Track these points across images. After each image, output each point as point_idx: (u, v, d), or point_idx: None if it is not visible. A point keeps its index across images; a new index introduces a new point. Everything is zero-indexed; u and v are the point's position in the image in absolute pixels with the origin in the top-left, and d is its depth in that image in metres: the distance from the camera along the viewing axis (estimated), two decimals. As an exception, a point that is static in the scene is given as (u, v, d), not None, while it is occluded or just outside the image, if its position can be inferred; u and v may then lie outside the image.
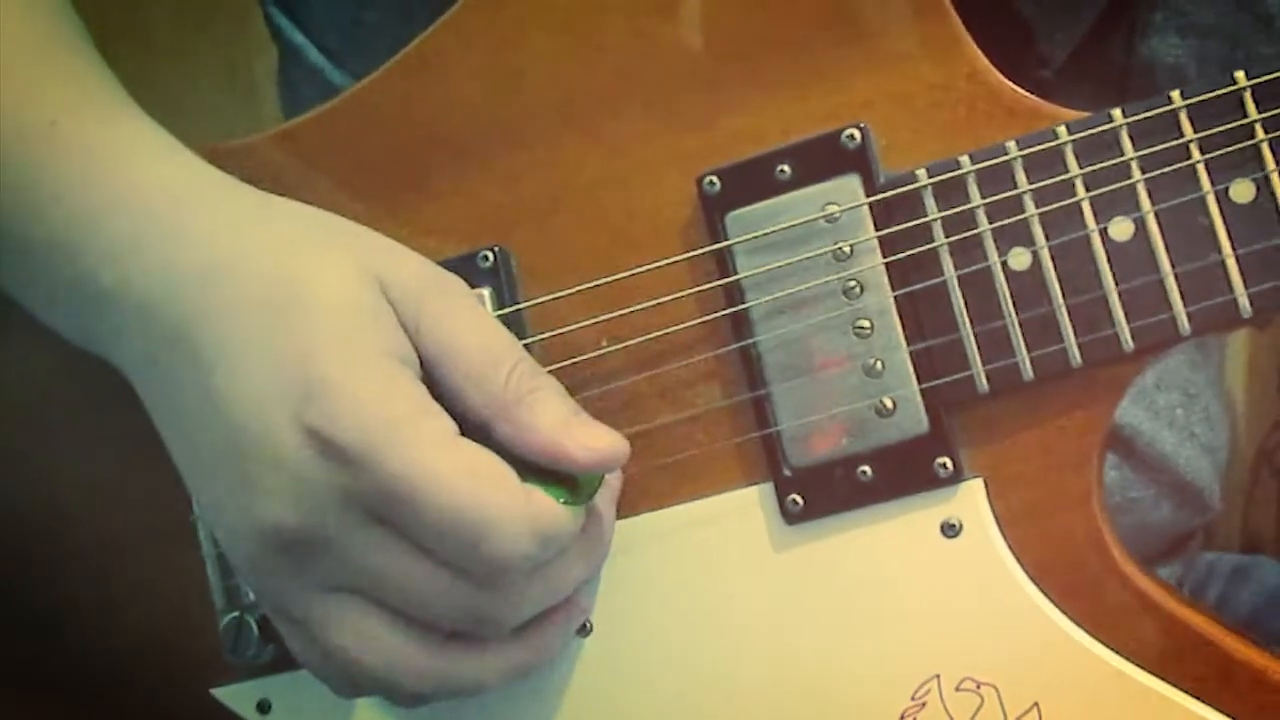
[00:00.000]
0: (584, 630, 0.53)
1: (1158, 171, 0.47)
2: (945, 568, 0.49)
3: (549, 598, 0.49)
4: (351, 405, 0.45)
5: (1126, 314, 0.47)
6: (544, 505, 0.46)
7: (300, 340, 0.46)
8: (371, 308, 0.47)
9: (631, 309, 0.52)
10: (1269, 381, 0.93)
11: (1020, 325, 0.48)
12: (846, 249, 0.50)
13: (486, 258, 0.54)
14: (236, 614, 0.56)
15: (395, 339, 0.47)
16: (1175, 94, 0.47)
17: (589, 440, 0.47)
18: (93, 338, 0.52)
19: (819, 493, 0.50)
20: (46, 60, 0.53)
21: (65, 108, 0.52)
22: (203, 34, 1.13)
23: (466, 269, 0.54)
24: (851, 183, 0.50)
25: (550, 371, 0.50)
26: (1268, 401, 0.93)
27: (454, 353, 0.47)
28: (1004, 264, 0.48)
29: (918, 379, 0.49)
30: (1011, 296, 0.48)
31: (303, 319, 0.46)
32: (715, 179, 0.51)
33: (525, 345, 0.52)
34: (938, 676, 0.49)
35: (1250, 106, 0.46)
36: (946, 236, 0.49)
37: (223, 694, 0.58)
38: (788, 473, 0.51)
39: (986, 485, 0.49)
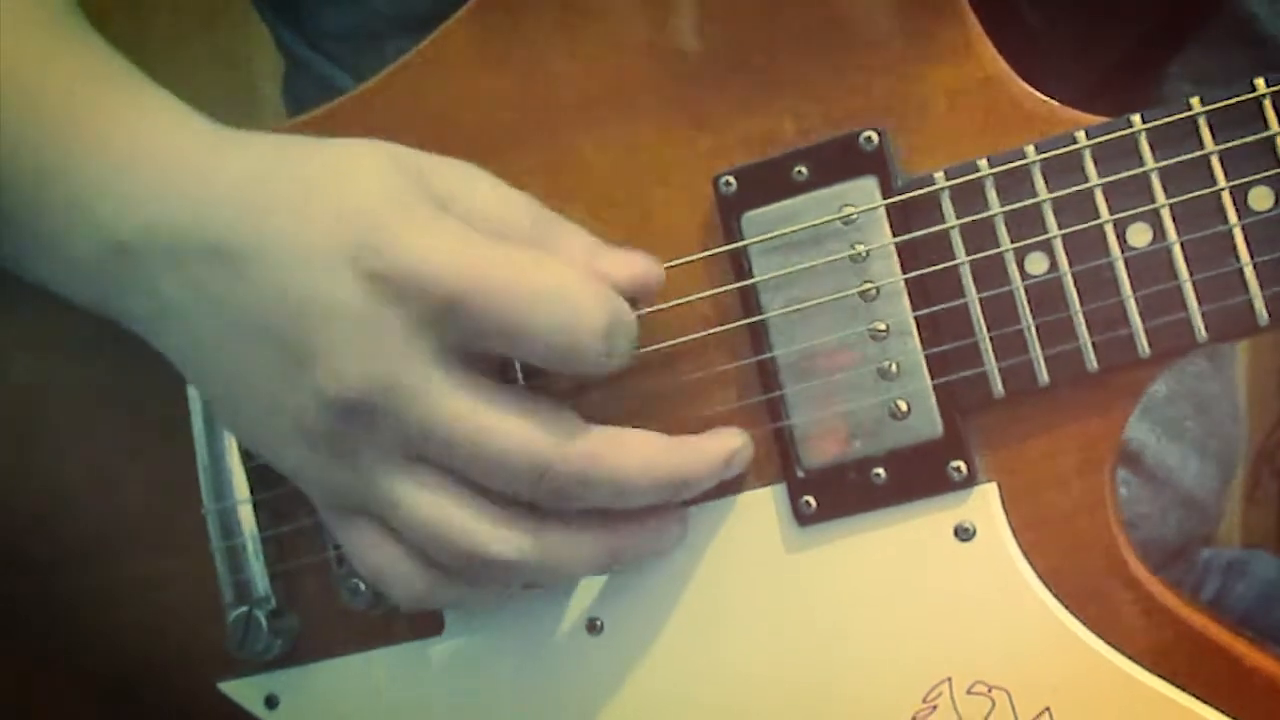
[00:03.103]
0: (595, 629, 0.53)
1: (1176, 177, 0.47)
2: (958, 571, 0.49)
3: (616, 455, 0.48)
4: (404, 236, 0.45)
5: (1143, 320, 0.47)
6: (608, 287, 0.47)
7: (347, 201, 0.46)
8: (406, 177, 0.47)
9: (647, 309, 0.52)
10: (1269, 382, 0.94)
11: (1036, 330, 0.48)
12: (863, 251, 0.50)
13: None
14: (245, 608, 0.56)
15: (425, 194, 0.47)
16: (1195, 100, 0.46)
17: (621, 261, 0.49)
18: (110, 298, 0.51)
19: (832, 494, 0.50)
20: (57, 34, 0.53)
21: (79, 74, 0.52)
22: (203, 34, 1.13)
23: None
24: (868, 185, 0.50)
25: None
26: (1268, 402, 0.94)
27: (475, 212, 0.48)
28: (1021, 268, 0.48)
29: (933, 382, 0.49)
30: (1028, 301, 0.48)
31: (346, 187, 0.46)
32: (731, 179, 0.51)
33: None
34: (949, 679, 0.49)
35: (1270, 113, 0.46)
36: (964, 240, 0.49)
37: (230, 688, 0.58)
38: (801, 474, 0.51)
39: (1000, 489, 0.49)
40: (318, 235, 0.46)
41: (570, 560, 0.48)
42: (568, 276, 0.46)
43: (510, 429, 0.46)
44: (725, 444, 0.50)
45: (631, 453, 0.48)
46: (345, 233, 0.46)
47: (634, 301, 0.49)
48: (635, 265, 0.49)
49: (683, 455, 0.49)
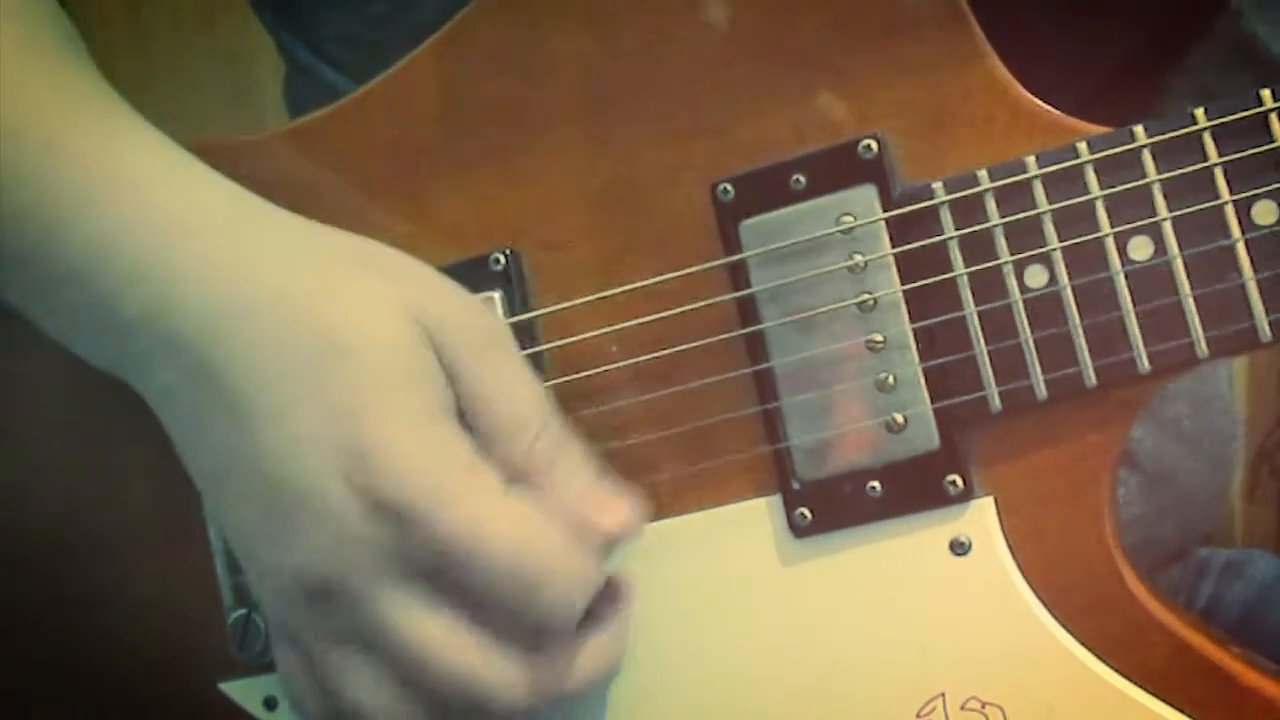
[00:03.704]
0: (590, 638, 0.53)
1: (1179, 191, 0.46)
2: (953, 586, 0.49)
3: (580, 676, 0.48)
4: (403, 465, 0.44)
5: (1143, 335, 0.46)
6: (588, 557, 0.46)
7: (345, 393, 0.45)
8: (415, 356, 0.46)
9: (644, 319, 0.51)
10: (1269, 382, 0.93)
11: (1035, 344, 0.47)
12: (861, 262, 0.49)
13: (498, 260, 0.54)
14: (244, 611, 0.56)
15: (438, 390, 0.46)
16: (1199, 112, 0.46)
17: (610, 512, 0.48)
18: (116, 365, 0.51)
19: (828, 507, 0.50)
20: (37, 74, 0.51)
21: (61, 123, 0.50)
22: (203, 34, 1.13)
23: (478, 271, 0.53)
24: (867, 193, 0.49)
25: (562, 382, 0.49)
26: (1268, 401, 0.93)
27: (483, 409, 0.47)
28: (1020, 281, 0.48)
29: (930, 395, 0.49)
30: (1027, 314, 0.47)
31: (346, 366, 0.45)
32: (729, 186, 0.51)
33: (537, 353, 0.52)
34: (943, 695, 0.49)
35: (1275, 127, 0.45)
36: (962, 252, 0.48)
37: (230, 689, 0.58)
38: (797, 486, 0.50)
39: (997, 504, 0.49)
40: (314, 419, 0.45)
41: None
42: (556, 559, 0.45)
43: (458, 658, 0.46)
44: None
45: (581, 676, 0.48)
46: (347, 435, 0.44)
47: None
48: (622, 517, 0.48)
49: (621, 640, 0.50)
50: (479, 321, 0.48)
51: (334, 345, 0.45)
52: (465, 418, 0.47)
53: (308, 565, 0.45)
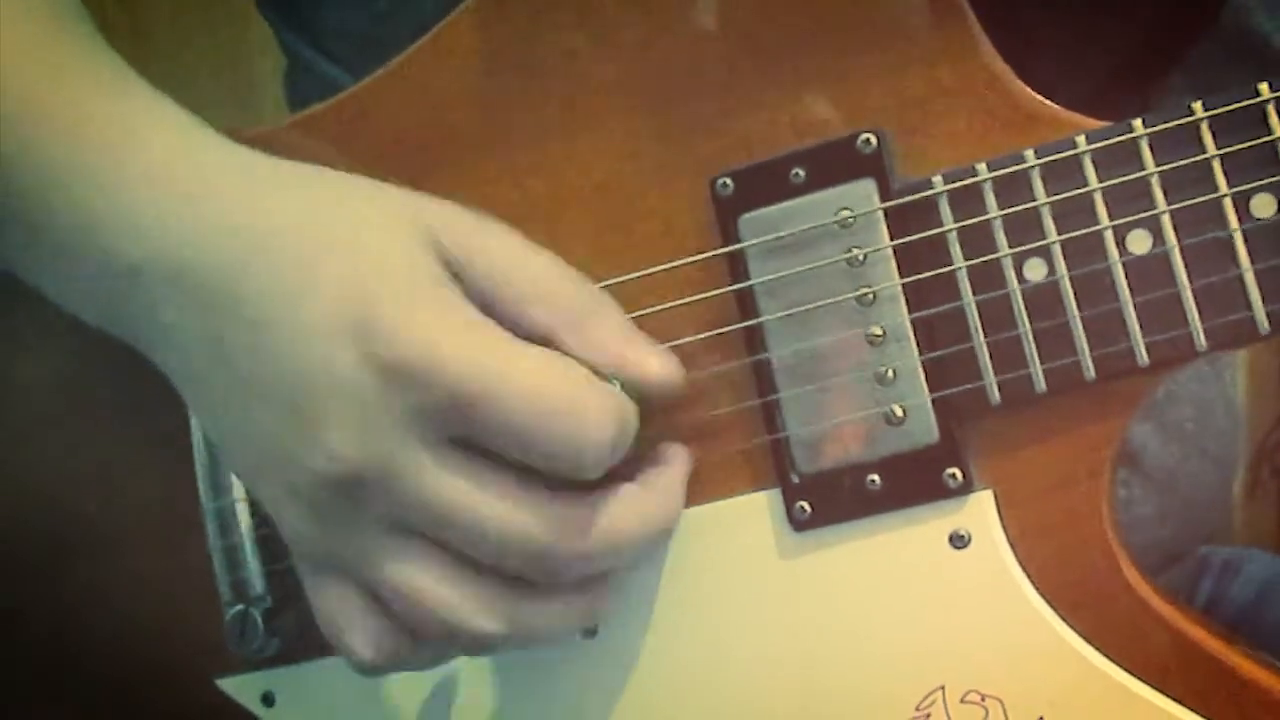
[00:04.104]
0: (589, 632, 0.53)
1: (1177, 183, 0.46)
2: (953, 579, 0.49)
3: (619, 528, 0.48)
4: (411, 324, 0.44)
5: (1142, 328, 0.46)
6: (617, 394, 0.47)
7: (351, 277, 0.45)
8: (418, 245, 0.46)
9: (644, 311, 0.51)
10: (1269, 381, 0.93)
11: (1034, 336, 0.47)
12: (860, 255, 0.49)
13: (498, 255, 0.54)
14: (242, 607, 0.56)
15: (439, 273, 0.46)
16: (1197, 105, 0.46)
17: (653, 356, 0.48)
18: (118, 317, 0.51)
19: (827, 500, 0.50)
20: (52, 41, 0.52)
21: (75, 84, 0.51)
22: (202, 33, 1.13)
23: (477, 266, 0.53)
24: (866, 188, 0.49)
25: None
26: (1268, 401, 0.93)
27: (515, 272, 0.47)
28: (1019, 273, 0.48)
29: (929, 388, 0.49)
30: (1026, 307, 0.47)
31: (351, 259, 0.46)
32: (729, 181, 0.51)
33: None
34: (942, 688, 0.49)
35: (1273, 119, 0.45)
36: (961, 245, 0.48)
37: (228, 685, 0.58)
38: (796, 479, 0.50)
39: (996, 497, 0.49)
40: (325, 306, 0.45)
41: (547, 631, 0.48)
42: (579, 390, 0.45)
43: (506, 513, 0.45)
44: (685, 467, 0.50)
45: (628, 521, 0.48)
46: (350, 310, 0.45)
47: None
48: (662, 366, 0.48)
49: (672, 500, 0.50)
50: (479, 218, 0.49)
51: (342, 246, 0.46)
52: (487, 298, 0.47)
53: (333, 456, 0.45)
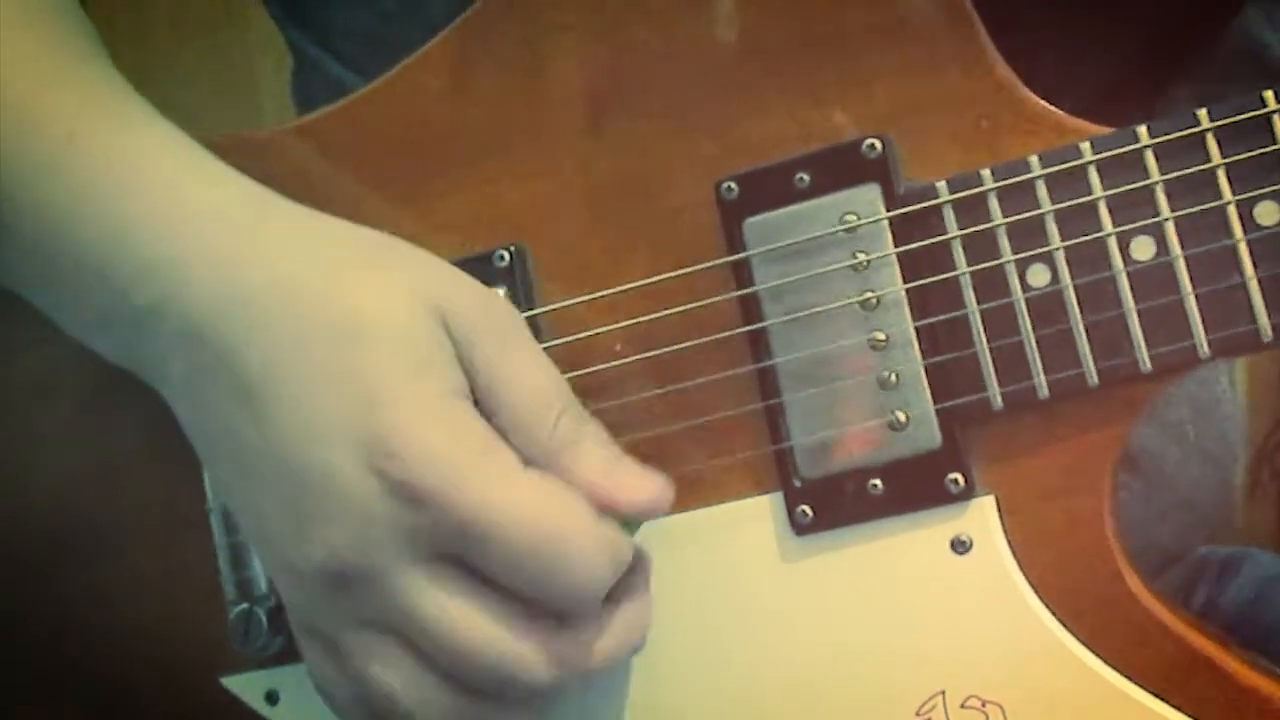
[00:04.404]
0: (591, 633, 0.53)
1: (1182, 191, 0.46)
2: (954, 584, 0.49)
3: (612, 649, 0.48)
4: (421, 447, 0.44)
5: (1145, 335, 0.46)
6: (615, 530, 0.46)
7: (361, 378, 0.45)
8: (431, 342, 0.46)
9: (648, 316, 0.52)
10: (1269, 383, 0.93)
11: (1037, 343, 0.48)
12: (864, 260, 0.49)
13: (503, 257, 0.54)
14: (246, 605, 0.56)
15: (454, 375, 0.46)
16: (1202, 113, 0.46)
17: (634, 486, 0.47)
18: (129, 359, 0.51)
19: (829, 504, 0.50)
20: (56, 70, 0.52)
21: (80, 117, 0.50)
22: (202, 34, 1.13)
23: (482, 267, 0.53)
24: (871, 193, 0.49)
25: (566, 378, 0.49)
26: (1268, 403, 0.93)
27: (503, 393, 0.47)
28: (1023, 280, 0.48)
29: (932, 394, 0.49)
30: (1029, 313, 0.48)
31: (362, 354, 0.45)
32: (734, 184, 0.51)
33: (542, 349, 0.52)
34: (943, 693, 0.49)
35: (1278, 128, 0.45)
36: (965, 251, 0.48)
37: (232, 683, 0.58)
38: (798, 483, 0.50)
39: (998, 502, 0.49)
40: (332, 405, 0.45)
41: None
42: (579, 529, 0.45)
43: (487, 636, 0.45)
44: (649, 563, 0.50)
45: (603, 649, 0.48)
46: (362, 421, 0.44)
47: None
48: (649, 490, 0.48)
49: (645, 615, 0.49)
50: (493, 309, 0.48)
51: (349, 332, 0.45)
52: (484, 406, 0.47)
53: (330, 552, 0.45)
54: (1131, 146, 0.46)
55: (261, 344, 0.46)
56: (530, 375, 0.48)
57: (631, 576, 0.48)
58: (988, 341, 0.48)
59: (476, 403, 0.47)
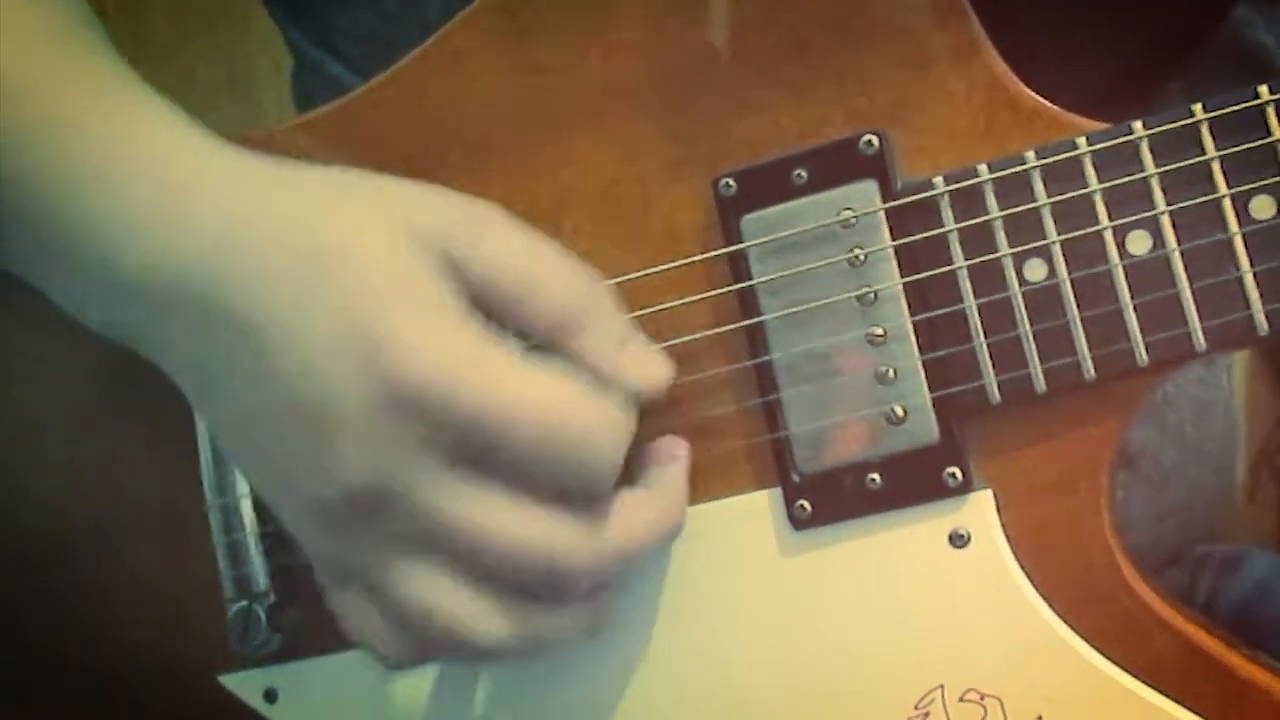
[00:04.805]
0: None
1: (1177, 185, 0.46)
2: (952, 578, 0.49)
3: (629, 539, 0.48)
4: (421, 352, 0.45)
5: (1142, 328, 0.47)
6: (616, 406, 0.47)
7: (351, 301, 0.45)
8: (418, 256, 0.46)
9: (646, 310, 0.52)
10: (1268, 384, 0.92)
11: (1034, 337, 0.48)
12: (861, 255, 0.50)
13: (502, 254, 0.54)
14: (245, 603, 0.56)
15: (440, 282, 0.46)
16: (1197, 107, 0.46)
17: (645, 363, 0.48)
18: (122, 328, 0.51)
19: (827, 499, 0.50)
20: (54, 46, 0.52)
21: (70, 89, 0.51)
22: (201, 33, 1.13)
23: (481, 265, 0.54)
24: (868, 188, 0.50)
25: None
26: (1267, 404, 0.93)
27: (510, 272, 0.47)
28: (1019, 274, 0.48)
29: (930, 388, 0.49)
30: (1026, 307, 0.48)
31: (348, 275, 0.46)
32: (731, 181, 0.51)
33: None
34: (941, 687, 0.49)
35: (1273, 121, 0.45)
36: (962, 245, 0.48)
37: (230, 682, 0.58)
38: (796, 478, 0.51)
39: (996, 496, 0.49)
40: (328, 327, 0.45)
41: (554, 639, 0.49)
42: (587, 412, 0.46)
43: (517, 531, 0.46)
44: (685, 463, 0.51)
45: (636, 530, 0.48)
46: (356, 333, 0.45)
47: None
48: (655, 369, 0.49)
49: (677, 501, 0.50)
50: (475, 211, 0.48)
51: (336, 260, 0.46)
52: (483, 297, 0.47)
53: (347, 479, 0.45)
54: (1127, 138, 0.46)
55: (254, 282, 0.46)
56: (538, 253, 0.48)
57: (659, 468, 0.50)
58: (985, 335, 0.48)
59: (477, 304, 0.47)
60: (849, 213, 0.50)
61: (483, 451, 0.45)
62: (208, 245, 0.47)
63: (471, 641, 0.47)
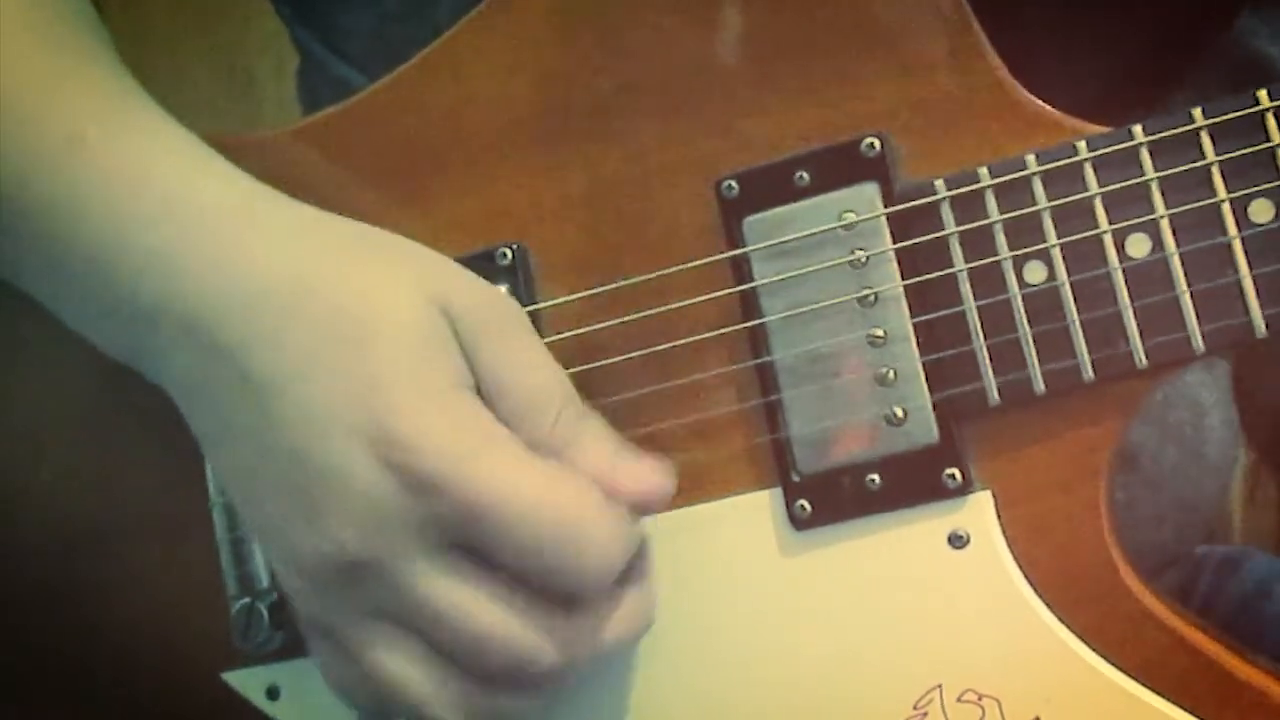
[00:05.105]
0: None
1: (1177, 188, 0.46)
2: (951, 579, 0.49)
3: (617, 629, 0.49)
4: (428, 435, 0.45)
5: (1141, 330, 0.47)
6: (623, 515, 0.47)
7: (366, 370, 0.45)
8: (435, 336, 0.46)
9: (648, 312, 0.52)
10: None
11: (1033, 339, 0.48)
12: (862, 257, 0.50)
13: (505, 255, 0.54)
14: (248, 600, 0.56)
15: (459, 367, 0.47)
16: (1197, 111, 0.46)
17: (639, 475, 0.48)
18: (134, 356, 0.51)
19: (827, 499, 0.50)
20: (65, 69, 0.52)
21: (89, 118, 0.50)
22: (202, 33, 1.13)
23: (484, 265, 0.54)
24: (869, 191, 0.50)
25: (567, 373, 0.50)
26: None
27: (506, 388, 0.47)
28: (1019, 277, 0.48)
29: (929, 389, 0.49)
30: (1026, 310, 0.48)
31: (367, 346, 0.46)
32: (733, 183, 0.51)
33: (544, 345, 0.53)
34: (940, 687, 0.49)
35: (1272, 126, 0.46)
36: (963, 248, 0.49)
37: (233, 679, 0.59)
38: (796, 478, 0.51)
39: (995, 497, 0.49)
40: (336, 396, 0.45)
41: (516, 718, 0.49)
42: (588, 516, 0.46)
43: (495, 622, 0.46)
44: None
45: (611, 632, 0.48)
46: (365, 408, 0.45)
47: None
48: (652, 480, 0.49)
49: (651, 598, 0.50)
50: (497, 304, 0.49)
51: (352, 325, 0.46)
52: (487, 400, 0.47)
53: (338, 544, 0.45)
54: (1127, 144, 0.47)
55: (266, 339, 0.46)
56: (533, 370, 0.48)
57: (636, 560, 0.49)
58: (985, 337, 0.48)
59: (481, 398, 0.47)
60: (850, 215, 0.50)
61: (477, 540, 0.45)
62: (221, 291, 0.47)
63: (433, 716, 0.47)
